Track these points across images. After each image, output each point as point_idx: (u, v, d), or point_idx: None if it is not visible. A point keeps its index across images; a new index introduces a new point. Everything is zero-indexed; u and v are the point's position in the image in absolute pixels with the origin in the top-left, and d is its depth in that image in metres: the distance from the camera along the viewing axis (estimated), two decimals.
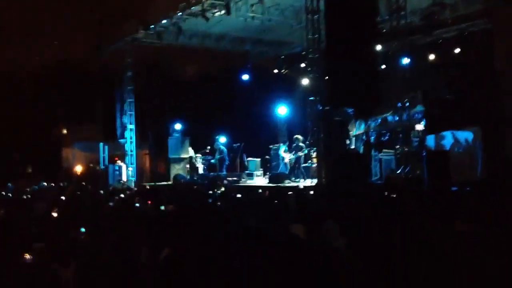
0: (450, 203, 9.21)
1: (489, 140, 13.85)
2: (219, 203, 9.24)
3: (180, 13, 16.22)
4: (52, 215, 8.35)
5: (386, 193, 9.57)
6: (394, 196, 9.28)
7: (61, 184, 16.62)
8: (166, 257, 6.00)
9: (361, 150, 14.60)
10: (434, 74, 15.77)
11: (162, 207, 9.12)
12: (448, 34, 15.87)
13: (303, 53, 15.07)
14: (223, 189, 13.22)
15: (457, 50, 15.55)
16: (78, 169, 20.19)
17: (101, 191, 12.93)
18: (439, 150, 12.77)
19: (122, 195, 11.17)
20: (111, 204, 9.66)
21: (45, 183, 16.03)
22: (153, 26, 17.38)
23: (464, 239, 6.80)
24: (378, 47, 13.08)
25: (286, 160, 16.49)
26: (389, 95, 12.86)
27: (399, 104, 12.35)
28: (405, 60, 12.88)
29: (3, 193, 13.26)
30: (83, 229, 7.21)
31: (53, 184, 16.46)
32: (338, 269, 5.27)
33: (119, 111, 20.40)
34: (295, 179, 15.52)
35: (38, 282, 5.33)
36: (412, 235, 7.42)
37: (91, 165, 19.76)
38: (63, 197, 10.72)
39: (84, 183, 16.24)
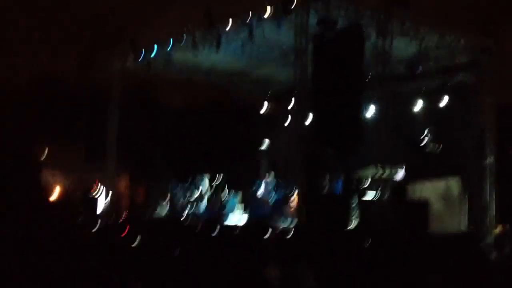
0: (426, 253, 9.28)
1: (469, 190, 14.10)
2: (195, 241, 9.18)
3: (171, 45, 16.38)
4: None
5: (363, 241, 9.60)
6: (371, 244, 9.32)
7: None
8: None
9: (342, 194, 14.65)
10: (416, 123, 16.07)
11: (136, 240, 9.04)
12: (431, 84, 16.23)
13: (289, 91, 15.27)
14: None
15: (440, 100, 15.89)
16: (55, 194, 19.90)
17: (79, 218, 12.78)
18: (418, 199, 12.88)
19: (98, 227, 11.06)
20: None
21: None
22: (143, 54, 17.47)
23: None
24: (363, 92, 13.29)
25: (266, 199, 16.47)
26: (372, 141, 13.03)
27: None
28: (389, 107, 13.10)
29: None
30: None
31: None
32: None
33: (101, 135, 20.28)
34: (275, 218, 15.46)
35: None
36: (385, 285, 7.44)
37: (69, 190, 19.52)
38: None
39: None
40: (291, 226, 13.44)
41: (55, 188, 20.09)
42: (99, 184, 19.00)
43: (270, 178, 17.25)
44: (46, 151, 21.95)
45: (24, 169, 20.25)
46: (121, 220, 13.23)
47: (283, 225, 14.21)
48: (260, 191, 16.83)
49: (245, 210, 17.44)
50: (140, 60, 17.77)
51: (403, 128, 14.85)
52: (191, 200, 18.00)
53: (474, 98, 15.05)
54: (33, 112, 23.34)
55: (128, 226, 11.16)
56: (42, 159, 21.75)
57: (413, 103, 16.37)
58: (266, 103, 20.47)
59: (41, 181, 20.56)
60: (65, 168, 21.09)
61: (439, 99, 15.91)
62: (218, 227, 12.07)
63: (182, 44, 16.14)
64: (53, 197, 19.68)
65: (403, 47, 14.17)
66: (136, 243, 9.07)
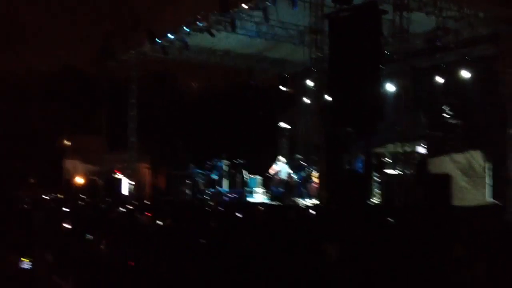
0: (449, 228, 9.20)
1: (493, 163, 13.88)
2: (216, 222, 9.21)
3: (186, 28, 16.38)
4: (55, 226, 8.41)
5: (384, 216, 9.54)
6: (393, 219, 9.26)
7: (60, 196, 16.64)
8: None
9: (362, 171, 14.61)
10: (436, 97, 15.85)
11: (160, 222, 9.11)
12: (450, 58, 15.98)
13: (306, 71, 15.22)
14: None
15: (461, 74, 15.64)
16: (79, 180, 20.21)
17: (102, 204, 12.95)
18: (440, 173, 12.77)
19: (122, 209, 11.19)
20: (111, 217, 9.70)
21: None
22: (159, 40, 17.52)
23: (461, 264, 6.79)
24: (381, 69, 13.16)
25: (286, 178, 16.49)
26: (391, 117, 12.92)
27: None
28: (408, 83, 12.96)
29: None
30: (89, 236, 7.25)
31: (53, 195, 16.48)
32: None
33: (121, 124, 20.51)
34: (296, 198, 15.53)
35: None
36: (408, 260, 7.41)
37: (92, 177, 19.79)
38: (64, 209, 10.76)
39: (82, 195, 16.24)
40: (313, 204, 13.49)
41: (79, 175, 20.40)
42: (119, 173, 19.26)
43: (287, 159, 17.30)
44: (69, 140, 22.26)
45: (49, 156, 20.64)
46: (144, 204, 13.40)
47: (304, 203, 14.25)
48: (280, 171, 16.87)
49: (266, 190, 17.53)
50: (156, 47, 17.85)
51: (423, 103, 14.67)
52: (211, 183, 18.17)
53: (495, 70, 14.75)
54: (55, 102, 23.65)
55: (151, 209, 11.27)
56: (65, 147, 22.08)
57: (432, 77, 16.14)
58: (283, 84, 20.38)
59: (66, 168, 20.93)
60: (88, 156, 21.37)
61: (459, 72, 15.66)
62: (241, 206, 12.14)
63: (197, 29, 16.13)
64: (78, 182, 19.99)
65: (421, 21, 13.94)
66: (160, 224, 9.15)
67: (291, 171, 16.46)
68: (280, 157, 17.32)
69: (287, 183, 16.30)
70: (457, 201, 11.77)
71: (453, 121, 14.58)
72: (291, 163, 17.13)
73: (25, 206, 12.20)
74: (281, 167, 16.73)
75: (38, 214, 10.03)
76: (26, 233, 8.20)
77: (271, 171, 16.84)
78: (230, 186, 18.27)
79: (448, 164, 13.33)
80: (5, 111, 22.13)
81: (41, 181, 20.09)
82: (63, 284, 5.78)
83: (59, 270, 5.96)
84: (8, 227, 8.36)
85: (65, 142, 22.33)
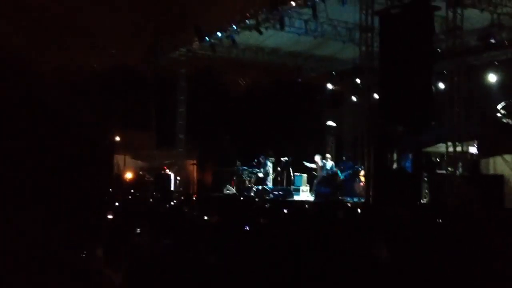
0: (502, 229, 8.92)
1: None
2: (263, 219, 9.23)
3: (235, 26, 16.51)
4: (105, 220, 8.60)
5: (434, 217, 9.33)
6: (443, 221, 9.05)
7: (111, 190, 17.02)
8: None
9: (411, 170, 14.34)
10: (490, 96, 15.39)
11: (206, 217, 9.19)
12: (505, 55, 15.47)
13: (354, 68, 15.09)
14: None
15: None
16: (128, 176, 20.66)
17: (150, 199, 13.23)
18: (493, 174, 12.39)
19: (172, 203, 11.40)
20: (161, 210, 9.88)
21: None
22: (207, 38, 17.72)
23: None
24: (433, 67, 12.88)
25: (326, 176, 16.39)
26: (443, 116, 12.63)
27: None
28: (462, 80, 12.65)
29: None
30: (138, 230, 7.40)
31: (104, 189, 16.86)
32: None
33: (170, 120, 20.85)
34: (342, 196, 15.41)
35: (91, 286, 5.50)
36: (459, 261, 7.23)
37: (141, 172, 20.20)
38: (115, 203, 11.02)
39: (132, 190, 16.61)
40: (360, 202, 13.35)
41: (128, 170, 20.86)
42: (167, 170, 19.58)
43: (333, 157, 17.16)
44: (119, 136, 22.73)
45: (100, 151, 21.15)
46: (191, 199, 13.62)
47: (351, 202, 14.13)
48: (326, 170, 16.77)
49: (311, 189, 17.48)
50: (205, 44, 18.07)
51: (476, 102, 14.26)
52: (257, 180, 18.21)
53: None
54: (106, 99, 24.21)
55: (198, 205, 11.45)
56: (115, 143, 22.55)
57: (486, 75, 15.66)
58: (331, 82, 20.25)
59: (116, 163, 21.42)
60: (137, 152, 21.81)
61: None
62: (287, 204, 12.15)
63: (245, 27, 16.23)
64: (127, 178, 20.44)
65: (474, 18, 13.56)
66: (207, 218, 9.24)
67: (326, 170, 16.34)
68: (327, 155, 17.22)
69: (331, 182, 16.20)
70: (510, 203, 11.40)
71: (507, 121, 14.11)
72: (338, 161, 17.02)
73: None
74: (321, 164, 16.69)
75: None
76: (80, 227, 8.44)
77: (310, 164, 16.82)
78: (275, 184, 18.29)
79: (500, 165, 12.91)
80: (58, 107, 22.83)
81: (92, 176, 20.61)
82: (114, 277, 5.92)
83: (110, 264, 6.10)
84: (68, 219, 8.64)
85: (115, 138, 22.85)
